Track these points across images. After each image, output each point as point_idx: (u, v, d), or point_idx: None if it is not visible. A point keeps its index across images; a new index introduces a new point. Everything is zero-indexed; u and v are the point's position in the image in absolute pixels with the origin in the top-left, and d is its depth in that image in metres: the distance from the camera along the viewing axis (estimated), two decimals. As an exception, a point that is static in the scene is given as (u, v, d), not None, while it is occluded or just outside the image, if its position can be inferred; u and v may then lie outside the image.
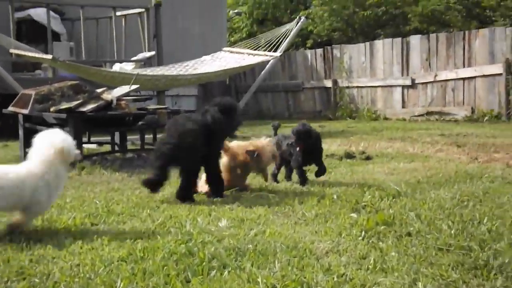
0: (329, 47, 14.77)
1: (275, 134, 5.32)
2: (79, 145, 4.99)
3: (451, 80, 12.39)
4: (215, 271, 2.64)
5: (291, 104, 15.38)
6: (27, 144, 4.43)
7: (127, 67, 10.31)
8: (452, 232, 3.20)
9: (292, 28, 10.98)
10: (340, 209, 3.89)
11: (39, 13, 11.75)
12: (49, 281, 2.55)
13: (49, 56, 8.14)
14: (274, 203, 4.16)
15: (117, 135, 7.16)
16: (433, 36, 12.96)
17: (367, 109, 13.76)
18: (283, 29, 11.21)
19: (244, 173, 4.79)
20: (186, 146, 4.26)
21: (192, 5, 15.06)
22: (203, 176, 4.60)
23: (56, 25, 12.04)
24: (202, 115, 4.47)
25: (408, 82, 13.08)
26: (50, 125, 6.10)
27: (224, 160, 4.69)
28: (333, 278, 2.55)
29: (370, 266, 2.70)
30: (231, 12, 22.11)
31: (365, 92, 13.95)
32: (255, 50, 10.87)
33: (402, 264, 2.71)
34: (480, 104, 11.96)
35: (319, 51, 14.91)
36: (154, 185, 4.29)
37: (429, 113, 12.74)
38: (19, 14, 11.51)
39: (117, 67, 10.42)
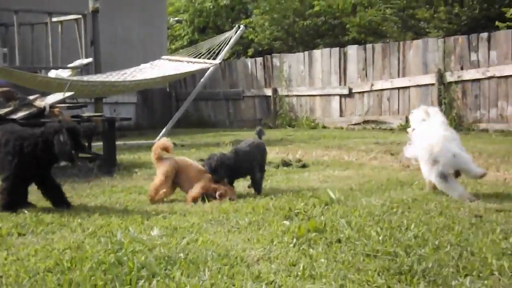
0: (268, 56, 14.89)
1: (260, 139, 5.20)
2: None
3: (386, 90, 12.69)
4: (143, 280, 2.61)
5: (232, 112, 15.40)
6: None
7: (64, 74, 10.07)
8: (380, 238, 3.28)
9: (231, 36, 11.04)
10: (273, 216, 3.92)
11: (-31, 18, 11.39)
12: (-31, 295, 2.48)
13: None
14: (208, 211, 4.16)
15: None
16: (369, 46, 13.23)
17: (306, 117, 13.92)
18: (223, 37, 11.26)
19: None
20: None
21: (132, 12, 14.92)
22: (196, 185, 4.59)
23: (-12, 30, 11.69)
24: None
25: (346, 91, 13.31)
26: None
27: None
28: (262, 285, 2.57)
29: (299, 273, 2.73)
30: (171, 19, 22.02)
31: (304, 101, 14.12)
32: (195, 57, 10.89)
33: (331, 271, 2.76)
34: (414, 113, 12.27)
35: (259, 59, 15.00)
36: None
37: (365, 122, 13.01)
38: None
39: (53, 74, 10.16)
